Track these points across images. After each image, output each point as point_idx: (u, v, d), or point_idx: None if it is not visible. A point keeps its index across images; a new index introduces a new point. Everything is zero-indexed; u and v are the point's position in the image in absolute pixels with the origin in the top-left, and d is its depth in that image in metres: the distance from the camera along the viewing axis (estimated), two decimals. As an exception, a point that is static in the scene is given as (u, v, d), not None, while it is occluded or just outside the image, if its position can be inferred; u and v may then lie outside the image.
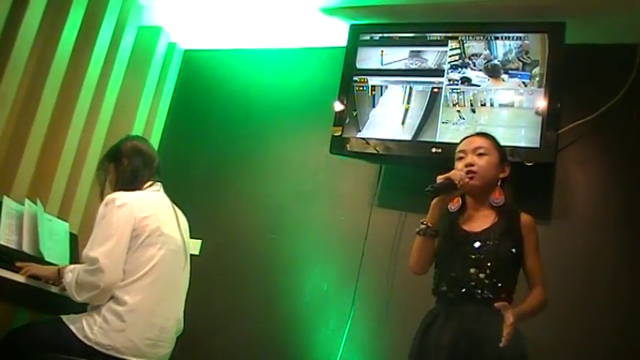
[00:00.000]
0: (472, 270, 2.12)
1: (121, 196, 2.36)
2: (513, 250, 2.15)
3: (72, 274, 2.28)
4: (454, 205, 2.25)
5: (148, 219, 2.36)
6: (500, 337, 1.99)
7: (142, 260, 2.31)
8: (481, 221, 2.21)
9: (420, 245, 2.21)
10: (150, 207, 2.39)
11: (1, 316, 2.77)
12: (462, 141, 2.33)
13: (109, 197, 2.37)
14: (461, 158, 2.26)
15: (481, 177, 2.20)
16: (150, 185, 2.49)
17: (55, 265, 2.66)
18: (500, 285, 2.10)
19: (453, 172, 2.20)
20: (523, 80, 2.89)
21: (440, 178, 2.16)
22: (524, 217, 2.21)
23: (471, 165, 2.21)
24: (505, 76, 2.92)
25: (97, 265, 2.23)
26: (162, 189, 2.54)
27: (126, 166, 2.49)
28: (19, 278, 2.35)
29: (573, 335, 2.71)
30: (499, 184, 2.23)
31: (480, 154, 2.23)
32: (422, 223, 2.18)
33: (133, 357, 2.23)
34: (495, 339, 2.01)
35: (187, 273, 2.53)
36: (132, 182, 2.46)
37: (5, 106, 2.85)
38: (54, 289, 2.41)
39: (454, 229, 2.20)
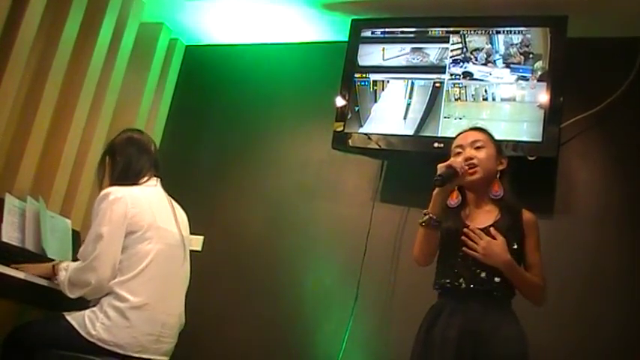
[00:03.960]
0: (476, 265, 2.11)
1: (115, 191, 2.36)
2: (516, 246, 2.14)
3: (65, 272, 2.30)
4: (453, 201, 2.24)
5: (143, 214, 2.35)
6: (506, 333, 2.02)
7: (139, 255, 2.31)
8: (484, 217, 2.21)
9: (424, 236, 2.20)
10: (145, 202, 2.39)
11: (6, 313, 2.78)
12: (457, 136, 2.34)
13: (103, 192, 2.37)
14: (458, 153, 2.25)
15: (482, 169, 2.20)
16: (147, 180, 2.48)
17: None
18: (503, 280, 2.10)
19: (452, 159, 2.20)
20: (525, 74, 2.88)
21: (441, 167, 2.15)
22: (527, 215, 2.20)
23: (471, 158, 2.20)
24: (507, 70, 2.91)
25: (89, 262, 2.24)
26: (159, 184, 2.53)
27: (120, 158, 2.48)
28: (22, 275, 2.36)
29: (576, 332, 2.70)
30: (498, 176, 2.23)
31: (478, 148, 2.23)
32: (425, 214, 2.17)
33: (135, 353, 2.24)
34: (501, 335, 2.03)
35: (187, 268, 2.53)
36: (127, 173, 2.45)
37: (7, 103, 2.85)
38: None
39: (457, 225, 2.19)
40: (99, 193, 2.42)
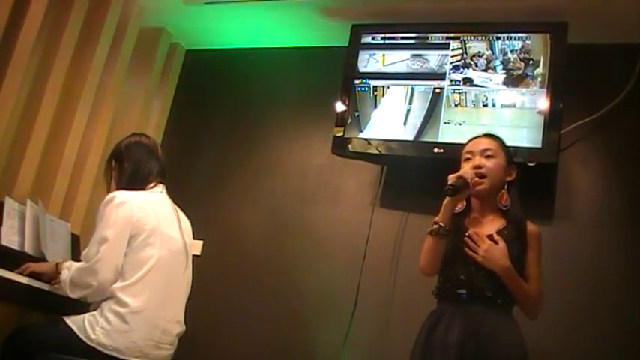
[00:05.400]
0: (479, 272, 2.11)
1: (120, 195, 2.36)
2: (517, 256, 2.13)
3: (68, 271, 2.31)
4: (458, 207, 2.23)
5: (147, 218, 2.35)
6: (506, 338, 2.02)
7: (142, 260, 2.30)
8: (489, 225, 2.20)
9: (431, 246, 2.18)
10: (149, 207, 2.39)
11: (6, 316, 2.77)
12: (468, 142, 2.32)
13: (108, 196, 2.37)
14: (468, 159, 2.24)
15: (490, 180, 2.19)
16: (153, 186, 2.49)
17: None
18: (505, 288, 2.10)
19: (463, 170, 2.19)
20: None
21: (452, 178, 2.14)
22: (531, 227, 2.20)
23: (479, 167, 2.20)
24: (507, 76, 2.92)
25: (92, 264, 2.24)
26: (164, 191, 2.53)
27: (128, 163, 2.48)
28: (23, 279, 2.36)
29: (577, 341, 2.69)
30: (505, 187, 2.22)
31: (488, 157, 2.22)
32: (434, 223, 2.16)
33: (135, 358, 2.23)
34: (501, 340, 2.03)
35: (189, 275, 2.53)
36: (135, 178, 2.45)
37: (7, 106, 2.85)
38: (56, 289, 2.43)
39: (461, 231, 2.18)
40: (105, 198, 2.42)
